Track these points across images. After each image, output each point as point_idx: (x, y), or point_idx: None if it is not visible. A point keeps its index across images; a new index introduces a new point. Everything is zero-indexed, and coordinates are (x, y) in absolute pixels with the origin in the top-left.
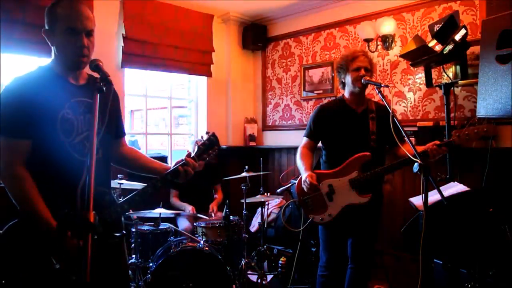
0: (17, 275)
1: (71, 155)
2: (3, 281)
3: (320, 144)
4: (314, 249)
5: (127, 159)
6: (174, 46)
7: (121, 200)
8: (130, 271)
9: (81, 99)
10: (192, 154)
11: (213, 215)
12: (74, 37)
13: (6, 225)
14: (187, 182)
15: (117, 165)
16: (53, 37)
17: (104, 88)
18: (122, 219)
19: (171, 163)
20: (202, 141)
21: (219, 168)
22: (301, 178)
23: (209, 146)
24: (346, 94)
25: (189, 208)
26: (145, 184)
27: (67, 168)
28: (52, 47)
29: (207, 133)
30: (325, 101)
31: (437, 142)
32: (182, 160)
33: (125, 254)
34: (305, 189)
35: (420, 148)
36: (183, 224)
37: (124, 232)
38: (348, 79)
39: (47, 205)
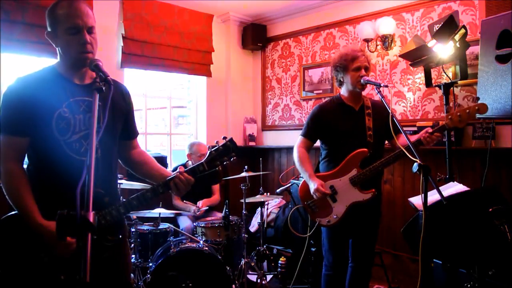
0: (9, 268)
1: (67, 154)
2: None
3: (319, 144)
4: (313, 249)
5: (133, 162)
6: (174, 46)
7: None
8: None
9: (82, 98)
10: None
11: (198, 207)
12: (76, 35)
13: (4, 216)
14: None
15: (125, 166)
16: (56, 38)
17: (103, 88)
18: (125, 222)
19: (170, 164)
20: (216, 146)
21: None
22: (304, 182)
23: (223, 152)
24: (344, 93)
25: (193, 208)
26: (145, 185)
27: (62, 167)
28: (57, 48)
29: (224, 138)
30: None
31: (429, 129)
32: (180, 169)
33: (123, 258)
34: (315, 197)
35: (413, 138)
36: (185, 223)
37: (121, 236)
38: (348, 78)
39: (44, 203)
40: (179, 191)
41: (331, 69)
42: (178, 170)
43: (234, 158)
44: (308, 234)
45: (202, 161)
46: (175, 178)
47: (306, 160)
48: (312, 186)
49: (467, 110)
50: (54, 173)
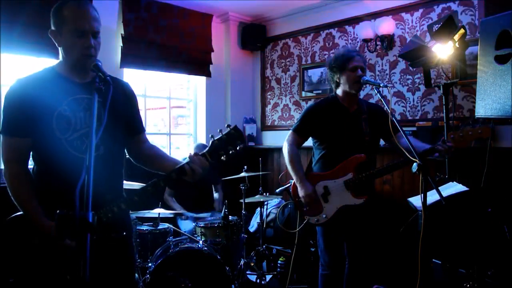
0: (13, 268)
1: (68, 152)
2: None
3: (311, 143)
4: (313, 249)
5: (145, 157)
6: (173, 46)
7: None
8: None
9: (82, 96)
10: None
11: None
12: (81, 38)
13: (9, 217)
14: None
15: (136, 163)
16: (60, 38)
17: (102, 88)
18: (130, 220)
19: None
20: (219, 135)
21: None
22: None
23: (227, 141)
24: (340, 93)
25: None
26: (145, 184)
27: (64, 165)
28: (59, 48)
29: (227, 126)
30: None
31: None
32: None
33: (127, 255)
34: (303, 200)
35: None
36: (187, 226)
37: (125, 233)
38: (344, 79)
39: (47, 203)
40: (195, 175)
41: (327, 70)
42: (191, 154)
43: (241, 146)
44: (296, 230)
45: (204, 151)
46: (190, 161)
47: (297, 161)
48: (302, 192)
49: (470, 132)
50: (58, 172)
